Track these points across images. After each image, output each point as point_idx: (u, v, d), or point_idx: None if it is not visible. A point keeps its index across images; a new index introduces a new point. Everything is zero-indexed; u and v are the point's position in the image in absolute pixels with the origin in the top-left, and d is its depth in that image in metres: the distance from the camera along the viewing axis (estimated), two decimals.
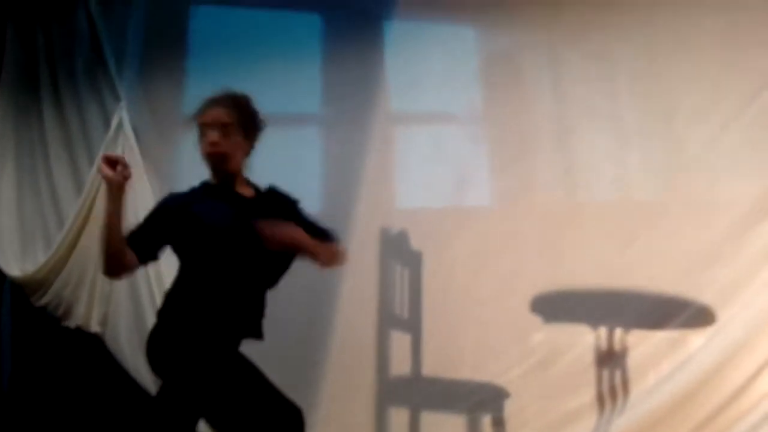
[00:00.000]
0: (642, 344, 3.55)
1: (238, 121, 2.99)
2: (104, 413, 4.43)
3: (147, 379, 4.15)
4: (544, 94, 3.83)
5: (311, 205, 4.16)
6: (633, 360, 3.57)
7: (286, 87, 4.14)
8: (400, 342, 3.90)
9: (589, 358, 3.63)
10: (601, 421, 3.58)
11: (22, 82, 4.68)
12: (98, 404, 4.47)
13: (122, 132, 4.30)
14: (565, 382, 3.65)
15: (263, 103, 4.15)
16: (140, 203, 4.15)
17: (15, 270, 4.61)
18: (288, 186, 4.12)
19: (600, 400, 3.61)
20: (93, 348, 4.45)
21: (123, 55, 4.40)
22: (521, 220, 3.79)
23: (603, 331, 3.61)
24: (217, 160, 2.99)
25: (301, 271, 4.05)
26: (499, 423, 3.72)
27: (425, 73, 3.97)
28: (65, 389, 4.61)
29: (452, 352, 3.83)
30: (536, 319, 3.71)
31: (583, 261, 3.65)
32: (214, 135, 2.93)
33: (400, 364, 3.89)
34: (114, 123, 4.31)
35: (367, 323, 3.94)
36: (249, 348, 4.11)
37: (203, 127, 2.98)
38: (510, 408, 3.70)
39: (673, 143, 3.56)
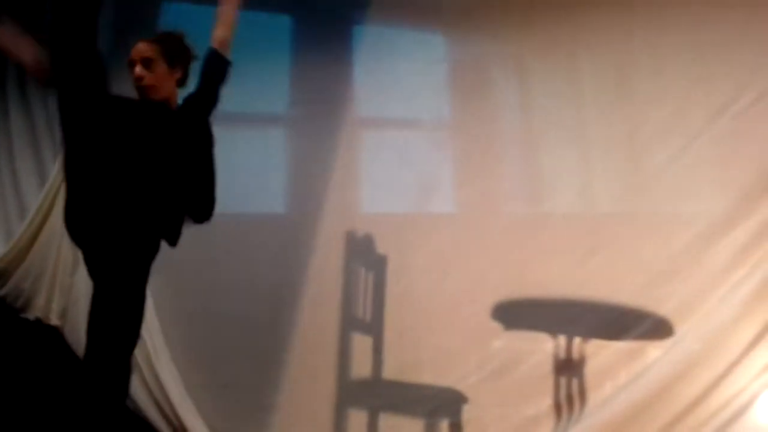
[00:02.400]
0: (600, 354, 3.52)
1: (161, 54, 3.15)
2: (60, 406, 4.35)
3: None
4: (511, 105, 3.80)
5: (276, 206, 4.16)
6: (591, 369, 3.53)
7: (255, 87, 4.09)
8: (361, 345, 3.87)
9: (548, 366, 3.60)
10: (557, 428, 3.55)
11: None
12: (54, 397, 4.39)
13: None
14: (524, 390, 3.61)
15: (231, 102, 4.13)
16: None
17: None
18: (254, 186, 4.11)
19: (557, 407, 3.58)
20: (51, 340, 4.37)
21: None
22: (485, 228, 3.76)
23: (562, 339, 3.58)
24: (143, 91, 3.15)
25: (265, 270, 4.04)
26: (457, 428, 3.68)
27: (393, 78, 3.94)
28: (22, 381, 4.52)
29: (413, 356, 3.80)
30: (496, 326, 3.68)
31: (545, 270, 3.62)
32: (138, 69, 3.12)
33: (360, 367, 3.86)
34: None
35: (329, 325, 3.91)
36: (208, 344, 4.10)
37: (130, 64, 3.16)
38: (468, 413, 3.67)
39: (636, 157, 3.54)
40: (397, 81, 3.94)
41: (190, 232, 4.12)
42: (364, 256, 3.91)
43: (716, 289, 3.32)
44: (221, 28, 3.29)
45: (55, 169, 4.24)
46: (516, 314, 3.70)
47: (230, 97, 4.08)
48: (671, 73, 3.46)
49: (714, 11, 3.31)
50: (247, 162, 4.08)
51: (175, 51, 3.20)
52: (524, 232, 3.71)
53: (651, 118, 3.51)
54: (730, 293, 3.28)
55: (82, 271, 4.11)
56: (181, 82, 3.25)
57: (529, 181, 3.76)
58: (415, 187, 3.89)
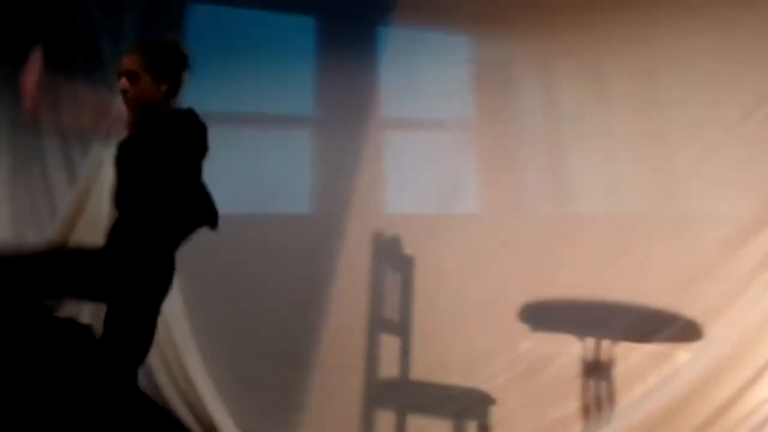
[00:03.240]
0: (628, 356, 3.52)
1: (145, 67, 3.10)
2: (93, 403, 4.42)
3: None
4: (536, 105, 3.80)
5: (302, 207, 4.19)
6: (619, 372, 3.54)
7: (280, 89, 4.11)
8: (389, 345, 3.89)
9: (576, 368, 3.60)
10: (585, 431, 3.58)
11: (19, 74, 4.63)
12: (87, 394, 4.46)
13: None
14: (551, 391, 3.62)
15: (256, 104, 4.17)
16: None
17: None
18: (280, 187, 4.14)
19: (585, 410, 3.58)
20: (84, 338, 4.43)
21: (119, 54, 4.30)
22: (511, 229, 3.76)
23: (590, 342, 3.58)
24: (127, 104, 3.12)
25: (293, 271, 4.07)
26: (484, 429, 3.69)
27: (418, 79, 3.93)
28: (55, 378, 4.59)
29: (440, 357, 3.81)
30: (524, 328, 3.68)
31: (573, 272, 3.61)
32: (122, 81, 3.09)
33: (388, 368, 3.89)
34: None
35: (357, 326, 3.93)
36: (237, 344, 4.15)
37: (118, 76, 3.13)
38: (495, 415, 3.68)
39: (664, 158, 3.52)
40: (422, 82, 3.93)
41: (218, 231, 4.19)
42: (390, 257, 3.92)
43: (746, 291, 3.31)
44: None
45: (84, 169, 4.28)
46: (543, 316, 3.69)
47: (256, 98, 4.15)
48: (699, 73, 3.43)
49: (742, 12, 3.27)
50: (273, 163, 4.11)
51: (161, 63, 3.15)
52: (551, 234, 3.70)
53: (679, 117, 3.48)
54: (760, 295, 3.27)
55: None
56: (171, 93, 3.20)
57: (555, 182, 3.75)
58: (440, 188, 3.90)
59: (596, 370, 3.57)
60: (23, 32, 4.54)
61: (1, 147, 4.65)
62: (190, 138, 3.15)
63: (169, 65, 3.19)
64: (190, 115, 3.21)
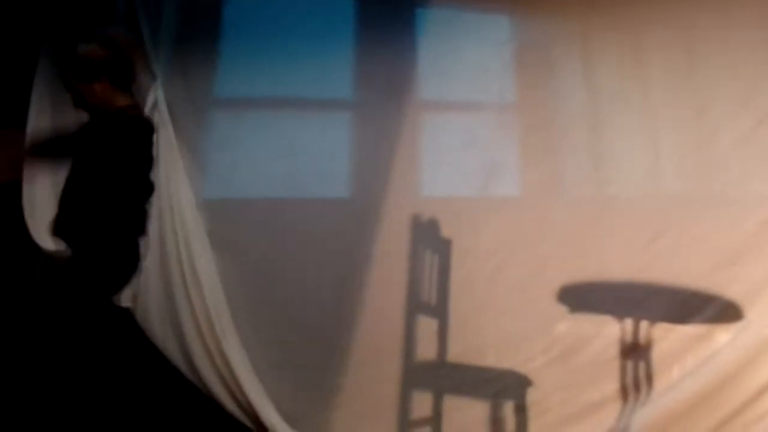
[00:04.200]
0: (667, 338, 3.54)
1: (73, 80, 3.56)
2: (133, 384, 4.51)
3: (176, 353, 4.23)
4: (576, 85, 3.79)
5: (340, 191, 4.23)
6: (657, 353, 3.55)
7: (317, 71, 4.14)
8: (426, 328, 3.91)
9: (614, 350, 3.63)
10: (623, 413, 3.58)
11: (60, 60, 4.70)
12: (128, 376, 4.55)
13: (157, 110, 4.28)
14: (589, 373, 3.65)
15: (293, 87, 4.22)
16: (173, 183, 4.22)
17: (49, 244, 4.66)
18: (317, 171, 4.19)
19: (623, 392, 3.60)
20: (123, 321, 4.50)
21: (159, 35, 4.36)
22: (550, 211, 3.78)
23: (628, 323, 3.59)
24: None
25: (330, 254, 4.12)
26: (521, 411, 3.72)
27: (457, 61, 3.95)
28: (95, 360, 4.67)
29: (477, 339, 3.84)
30: (562, 310, 3.70)
31: (611, 253, 3.64)
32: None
33: (425, 350, 3.91)
34: (150, 102, 4.27)
35: (394, 308, 3.96)
36: (275, 326, 4.20)
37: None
38: (532, 396, 3.71)
39: (704, 138, 3.52)
40: (461, 63, 3.95)
41: (257, 215, 4.26)
42: (428, 240, 3.95)
43: None
44: None
45: None
46: (581, 297, 3.71)
47: (293, 82, 4.20)
48: (741, 51, 3.43)
49: None
50: (311, 147, 4.14)
51: (82, 69, 3.53)
52: (590, 215, 3.72)
53: (719, 97, 3.48)
54: None
55: (152, 256, 4.26)
56: (117, 83, 3.58)
57: (595, 163, 3.76)
58: (479, 170, 3.91)
59: (634, 351, 3.58)
60: (66, 19, 4.64)
61: (43, 136, 4.73)
62: (123, 140, 3.47)
63: (92, 66, 3.54)
64: (134, 119, 3.57)
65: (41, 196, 4.68)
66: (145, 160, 3.58)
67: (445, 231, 3.94)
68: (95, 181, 3.39)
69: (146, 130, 3.62)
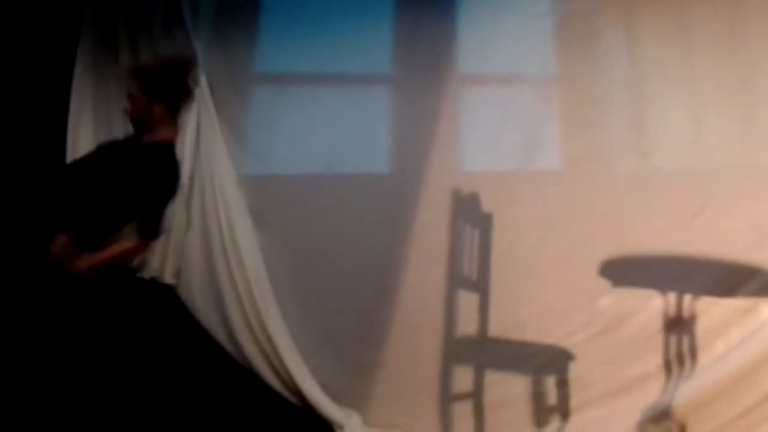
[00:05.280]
0: (710, 312, 3.55)
1: (140, 89, 3.58)
2: (176, 361, 4.59)
3: (219, 329, 4.31)
4: (618, 57, 3.80)
5: (380, 166, 4.27)
6: (701, 327, 3.57)
7: (357, 46, 4.18)
8: (467, 303, 3.96)
9: (657, 324, 3.65)
10: (667, 387, 3.60)
11: (102, 37, 4.76)
12: (171, 353, 4.63)
13: (198, 89, 4.30)
14: (632, 348, 3.68)
15: (333, 63, 4.26)
16: (214, 160, 4.29)
17: None
18: (357, 146, 4.23)
19: (667, 366, 3.62)
20: (167, 298, 4.58)
21: (199, 12, 4.43)
22: (591, 184, 3.79)
23: (671, 297, 3.61)
24: (129, 121, 3.71)
25: (371, 229, 4.17)
26: (563, 385, 3.75)
27: (497, 33, 3.97)
28: (139, 337, 4.77)
29: (518, 313, 3.87)
30: (604, 284, 3.73)
31: (654, 227, 3.65)
32: (126, 103, 3.63)
33: (466, 325, 3.96)
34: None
35: (435, 283, 4.01)
36: (316, 301, 4.26)
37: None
38: (574, 371, 3.75)
39: (749, 110, 3.52)
40: (501, 35, 3.97)
41: (297, 191, 4.32)
42: (469, 214, 3.98)
43: None
44: None
45: None
46: (624, 271, 3.73)
47: (333, 57, 4.24)
48: None
49: None
50: (351, 122, 4.19)
51: (156, 86, 3.58)
52: (632, 188, 3.73)
53: (764, 70, 3.47)
54: None
55: (195, 233, 4.34)
56: (172, 108, 3.66)
57: (637, 136, 3.76)
58: (520, 144, 3.93)
59: (678, 325, 3.60)
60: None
61: (85, 110, 4.80)
62: (154, 172, 3.53)
63: (162, 87, 3.61)
64: (166, 150, 3.60)
65: None
66: (166, 201, 3.72)
67: (486, 205, 3.97)
68: (115, 199, 3.53)
69: (178, 173, 3.77)
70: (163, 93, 3.60)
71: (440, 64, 4.06)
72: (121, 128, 4.62)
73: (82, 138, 4.74)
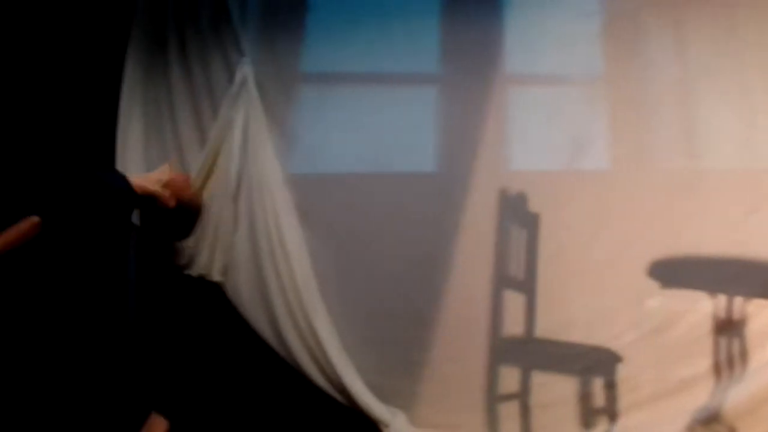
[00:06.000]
0: (761, 314, 3.56)
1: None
2: (223, 359, 4.67)
3: (265, 327, 4.37)
4: (667, 56, 3.80)
5: (427, 165, 4.32)
6: (752, 329, 3.58)
7: (404, 46, 4.22)
8: (514, 303, 4.00)
9: (706, 326, 3.66)
10: (717, 390, 3.61)
11: (151, 35, 4.81)
12: (218, 350, 4.71)
13: (245, 87, 4.41)
14: (681, 350, 3.69)
15: (381, 62, 4.30)
16: (262, 158, 4.36)
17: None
18: (405, 145, 4.27)
19: (716, 369, 3.63)
20: (214, 296, 4.65)
21: (246, 11, 4.50)
22: (640, 184, 3.81)
23: (721, 299, 3.61)
24: None
25: (417, 228, 4.21)
26: (610, 387, 3.78)
27: (545, 33, 3.99)
28: (187, 334, 4.85)
29: (566, 314, 3.91)
30: (652, 285, 3.75)
31: (703, 228, 3.66)
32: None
33: (513, 325, 3.99)
34: (238, 78, 4.41)
35: (482, 283, 4.05)
36: (363, 301, 4.32)
37: None
38: (622, 372, 3.77)
39: None
40: (548, 35, 3.99)
41: (344, 190, 4.37)
42: (516, 214, 4.01)
43: None
44: None
45: (214, 131, 4.51)
46: (673, 273, 3.74)
47: (380, 57, 4.29)
48: None
49: None
50: (398, 121, 4.22)
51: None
52: (681, 189, 3.74)
53: None
54: None
55: (242, 231, 4.41)
56: None
57: (687, 136, 3.77)
58: (568, 144, 3.96)
59: (728, 327, 3.60)
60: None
61: (135, 110, 4.89)
62: None
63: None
64: None
65: (134, 172, 4.87)
66: None
67: (533, 205, 4.00)
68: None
69: None
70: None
71: (487, 64, 4.10)
72: (169, 128, 4.76)
73: (132, 137, 4.83)
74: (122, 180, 4.04)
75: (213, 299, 4.61)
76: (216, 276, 4.57)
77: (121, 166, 4.78)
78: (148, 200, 4.07)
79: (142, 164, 4.84)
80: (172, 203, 4.09)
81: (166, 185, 4.13)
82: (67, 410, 4.13)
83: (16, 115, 4.67)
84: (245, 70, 4.44)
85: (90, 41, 4.77)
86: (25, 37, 4.64)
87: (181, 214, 4.25)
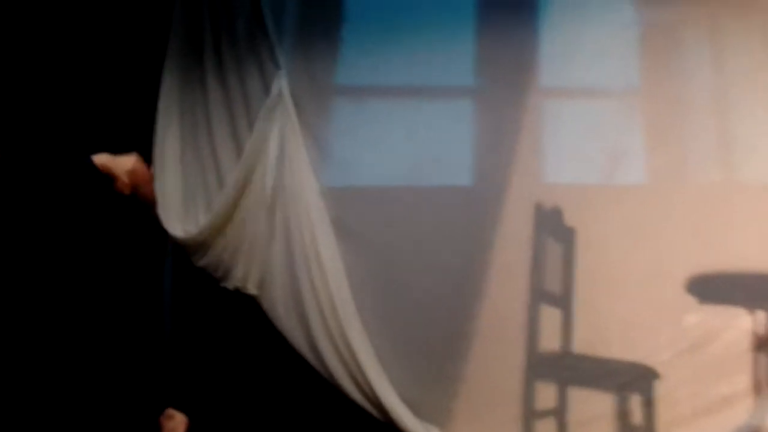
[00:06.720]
0: None
1: None
2: (258, 372, 4.73)
3: (301, 341, 4.42)
4: (704, 68, 3.80)
5: (463, 178, 4.35)
6: None
7: (439, 59, 4.25)
8: (550, 318, 4.01)
9: (745, 342, 3.64)
10: (757, 408, 3.60)
11: (187, 47, 4.88)
12: (253, 363, 4.77)
13: (281, 100, 4.46)
14: (719, 367, 3.68)
15: (416, 74, 4.35)
16: (297, 170, 4.41)
17: (178, 230, 4.85)
18: (440, 158, 4.31)
19: (756, 386, 3.61)
20: (250, 308, 4.70)
21: (282, 23, 4.56)
22: (677, 198, 3.80)
23: (761, 315, 3.61)
24: None
25: (453, 241, 4.24)
26: (648, 404, 3.77)
27: (580, 45, 4.00)
28: (222, 346, 4.92)
29: (602, 330, 3.91)
30: (690, 300, 3.74)
31: (742, 242, 3.65)
32: None
33: (549, 340, 4.01)
34: (274, 90, 4.47)
35: (517, 297, 4.06)
36: (397, 314, 4.35)
37: None
38: (660, 389, 3.76)
39: None
40: (585, 47, 4.00)
41: (380, 203, 4.42)
42: (552, 228, 4.03)
43: None
44: None
45: (250, 143, 4.57)
46: (711, 288, 3.73)
47: (414, 69, 4.33)
48: None
49: None
50: (433, 134, 4.26)
51: None
52: (719, 202, 3.73)
53: None
54: None
55: (278, 243, 4.47)
56: None
57: (725, 149, 3.76)
58: (604, 157, 3.96)
59: (767, 344, 3.60)
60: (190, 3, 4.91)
61: (172, 124, 4.97)
62: None
63: None
64: None
65: (171, 185, 4.96)
66: None
67: (569, 219, 4.01)
68: None
69: None
70: None
71: (523, 76, 4.11)
72: (205, 140, 4.85)
73: (168, 149, 4.91)
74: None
75: (249, 312, 4.67)
76: (252, 289, 4.62)
77: (157, 177, 4.87)
78: (105, 178, 4.05)
79: (178, 176, 4.94)
80: (127, 191, 4.08)
81: (129, 173, 4.10)
82: (102, 420, 4.22)
83: (53, 127, 4.79)
84: (281, 83, 4.50)
85: (127, 54, 4.87)
86: (64, 52, 4.75)
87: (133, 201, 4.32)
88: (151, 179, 4.33)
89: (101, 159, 3.98)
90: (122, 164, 4.08)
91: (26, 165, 4.04)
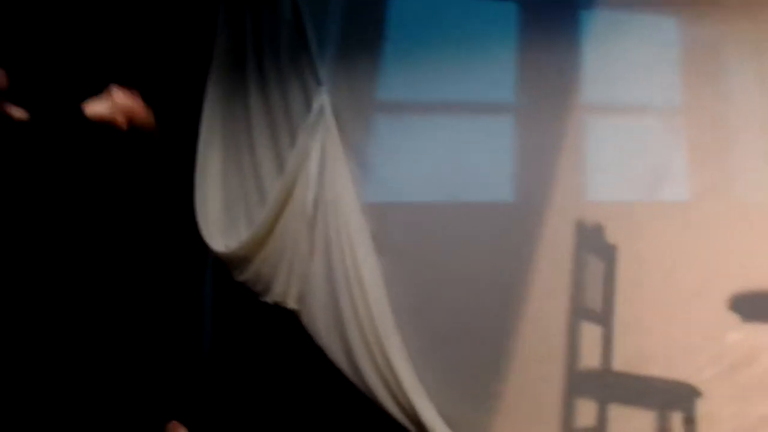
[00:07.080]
0: None
1: None
2: (298, 386, 4.79)
3: (340, 355, 4.48)
4: (747, 87, 3.79)
5: (504, 195, 4.39)
6: None
7: (481, 76, 4.30)
8: (590, 335, 4.02)
9: None
10: None
11: (231, 64, 4.99)
12: (292, 377, 4.83)
13: (323, 116, 4.54)
14: (763, 386, 3.65)
15: (457, 90, 4.40)
16: (338, 186, 4.49)
17: (219, 245, 4.95)
18: (481, 175, 4.36)
19: None
20: (289, 323, 4.77)
21: (324, 39, 4.63)
22: (720, 216, 3.79)
23: None
24: None
25: (493, 258, 4.28)
26: (690, 423, 3.76)
27: (623, 63, 4.01)
28: (262, 361, 4.99)
29: (644, 348, 3.91)
30: (734, 318, 3.73)
31: None
32: None
33: (589, 357, 4.02)
34: (316, 107, 4.55)
35: (558, 314, 4.08)
36: (437, 330, 4.39)
37: None
38: (702, 408, 3.75)
39: None
40: (626, 65, 4.00)
41: (420, 219, 4.47)
42: (593, 245, 4.04)
43: None
44: None
45: (292, 159, 4.65)
46: (755, 306, 3.71)
47: (456, 85, 4.38)
48: None
49: None
50: (474, 150, 4.31)
51: None
52: (762, 221, 3.71)
53: None
54: None
55: (318, 259, 4.53)
56: None
57: None
58: (646, 174, 3.97)
59: None
60: (232, 16, 5.00)
61: (215, 138, 5.07)
62: None
63: None
64: None
65: (212, 198, 5.05)
66: None
67: (611, 236, 4.03)
68: None
69: None
70: None
71: (564, 93, 4.14)
72: (247, 155, 4.94)
73: (211, 164, 5.04)
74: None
75: (289, 326, 4.73)
76: (291, 303, 4.69)
77: (200, 191, 4.97)
78: (102, 127, 3.88)
79: (220, 190, 5.03)
80: (126, 127, 3.88)
81: (120, 111, 3.88)
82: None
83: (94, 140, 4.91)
84: (322, 99, 4.57)
85: (171, 70, 4.97)
86: (112, 67, 4.85)
87: (135, 136, 4.10)
88: (140, 103, 4.04)
89: (92, 109, 3.83)
90: (107, 105, 3.89)
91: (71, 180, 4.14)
